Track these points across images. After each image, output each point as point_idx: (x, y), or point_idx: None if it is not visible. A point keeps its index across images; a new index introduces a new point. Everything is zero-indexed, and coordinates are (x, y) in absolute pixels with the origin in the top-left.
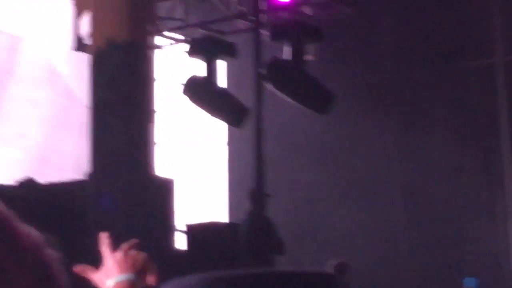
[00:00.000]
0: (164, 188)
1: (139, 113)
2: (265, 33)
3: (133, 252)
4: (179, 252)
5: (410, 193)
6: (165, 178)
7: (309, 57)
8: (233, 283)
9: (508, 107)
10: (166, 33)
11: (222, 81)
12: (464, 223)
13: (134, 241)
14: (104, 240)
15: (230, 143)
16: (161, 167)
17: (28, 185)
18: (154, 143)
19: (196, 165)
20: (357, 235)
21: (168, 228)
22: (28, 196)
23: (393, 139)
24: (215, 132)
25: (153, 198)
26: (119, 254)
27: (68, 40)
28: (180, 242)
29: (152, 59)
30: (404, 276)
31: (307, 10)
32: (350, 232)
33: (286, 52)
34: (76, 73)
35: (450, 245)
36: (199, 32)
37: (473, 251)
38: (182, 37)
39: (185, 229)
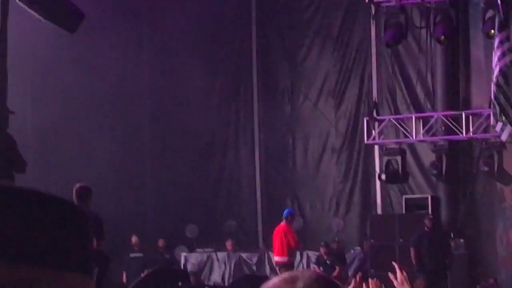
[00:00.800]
0: None
1: None
2: None
3: None
4: None
5: (159, 116)
6: None
7: None
8: None
9: (257, 28)
10: None
11: None
12: (216, 150)
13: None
14: None
15: None
16: None
17: None
18: None
19: None
20: (102, 156)
21: None
22: None
23: (145, 59)
24: None
25: None
26: None
27: None
28: None
29: None
30: (151, 203)
31: None
32: (94, 153)
33: None
34: None
35: (199, 172)
36: None
37: (224, 179)
38: None
39: None
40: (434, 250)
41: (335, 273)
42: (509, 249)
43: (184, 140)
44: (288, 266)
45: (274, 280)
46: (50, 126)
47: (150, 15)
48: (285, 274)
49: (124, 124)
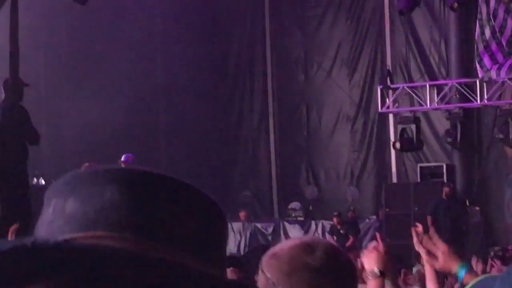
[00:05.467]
0: None
1: None
2: None
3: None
4: None
5: (171, 90)
6: None
7: None
8: None
9: None
10: None
11: None
12: (230, 121)
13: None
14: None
15: None
16: None
17: None
18: None
19: None
20: (119, 130)
21: None
22: None
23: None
24: None
25: None
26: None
27: None
28: None
29: None
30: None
31: None
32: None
33: None
34: None
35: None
36: None
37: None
38: None
39: None
40: (451, 218)
41: (348, 243)
42: None
43: (198, 110)
44: None
45: (287, 245)
46: (64, 98)
47: None
48: (298, 240)
49: (140, 98)
